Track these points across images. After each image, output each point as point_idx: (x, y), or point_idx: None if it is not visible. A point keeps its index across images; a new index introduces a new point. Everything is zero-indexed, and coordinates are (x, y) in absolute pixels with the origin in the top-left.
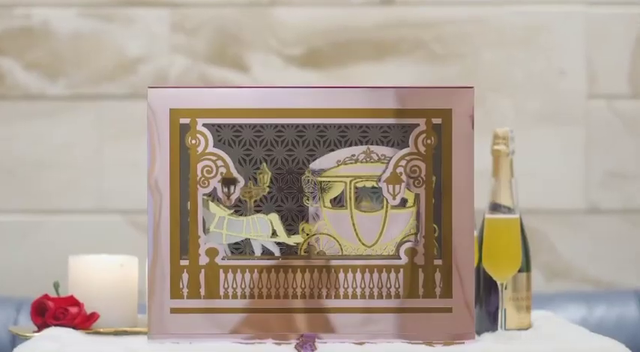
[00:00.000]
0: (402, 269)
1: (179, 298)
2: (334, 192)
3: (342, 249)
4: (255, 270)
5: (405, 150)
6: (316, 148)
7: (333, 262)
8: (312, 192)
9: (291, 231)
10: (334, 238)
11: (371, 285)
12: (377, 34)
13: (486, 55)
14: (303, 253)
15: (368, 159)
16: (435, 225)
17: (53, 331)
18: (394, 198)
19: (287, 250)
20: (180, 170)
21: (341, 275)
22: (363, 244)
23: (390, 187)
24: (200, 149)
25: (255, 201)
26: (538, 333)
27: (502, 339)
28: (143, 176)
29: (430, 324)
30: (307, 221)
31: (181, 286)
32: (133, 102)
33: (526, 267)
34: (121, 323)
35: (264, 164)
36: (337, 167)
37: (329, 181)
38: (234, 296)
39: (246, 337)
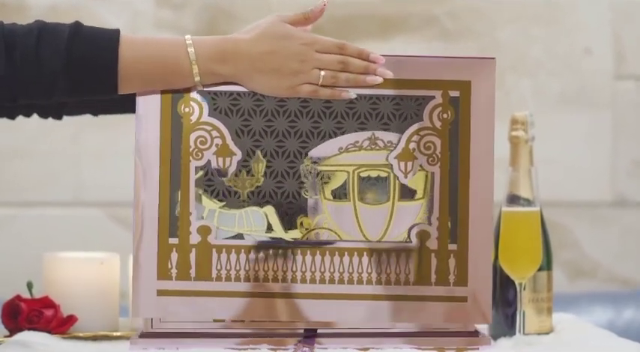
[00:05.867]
0: (412, 254)
1: (167, 279)
2: (336, 183)
3: None
4: (252, 251)
5: (419, 125)
6: (321, 120)
7: (339, 244)
8: (311, 183)
9: (288, 225)
10: (335, 233)
11: (378, 271)
12: (382, 8)
13: (503, 32)
14: None
15: (373, 147)
16: (450, 207)
17: (26, 335)
18: (406, 176)
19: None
20: (172, 141)
21: (345, 259)
22: (368, 240)
23: (402, 164)
24: (194, 118)
25: (249, 192)
26: (560, 338)
27: (520, 345)
28: (125, 166)
29: (443, 314)
30: (306, 214)
31: (170, 266)
32: None
33: (547, 265)
34: (101, 327)
35: (259, 152)
36: (339, 155)
37: (330, 170)
38: (228, 279)
39: (238, 342)
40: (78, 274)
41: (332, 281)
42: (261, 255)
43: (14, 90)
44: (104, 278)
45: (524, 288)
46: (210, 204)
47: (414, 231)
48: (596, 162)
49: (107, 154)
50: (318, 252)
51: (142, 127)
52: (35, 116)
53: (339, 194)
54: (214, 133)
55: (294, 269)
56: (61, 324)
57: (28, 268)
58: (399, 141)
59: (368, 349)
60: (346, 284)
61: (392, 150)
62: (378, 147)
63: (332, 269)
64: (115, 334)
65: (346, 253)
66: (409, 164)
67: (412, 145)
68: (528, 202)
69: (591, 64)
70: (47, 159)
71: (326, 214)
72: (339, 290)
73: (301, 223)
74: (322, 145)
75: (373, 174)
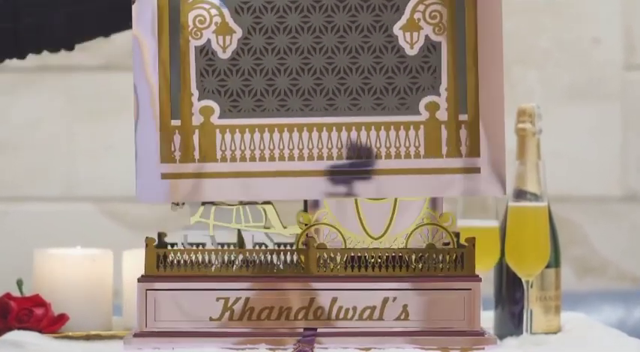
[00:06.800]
0: (422, 126)
1: (171, 162)
2: None
3: (345, 242)
4: (257, 130)
5: None
6: None
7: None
8: None
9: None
10: (336, 229)
11: (387, 144)
12: None
13: (509, 22)
14: (300, 246)
15: None
16: (459, 77)
17: (16, 335)
18: (412, 47)
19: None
20: (170, 20)
21: (353, 134)
22: (370, 236)
23: (407, 35)
24: None
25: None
26: (569, 337)
27: (527, 344)
28: (119, 160)
29: (456, 187)
30: (305, 209)
31: (173, 149)
32: (107, 74)
33: (555, 262)
34: (94, 326)
35: None
36: None
37: None
38: (233, 159)
39: (236, 342)
40: (69, 271)
41: (340, 157)
42: (266, 133)
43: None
44: (97, 275)
45: (532, 286)
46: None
47: (422, 103)
48: (605, 155)
49: (100, 148)
50: (324, 128)
51: (140, 9)
52: (45, 53)
53: None
54: (213, 11)
55: (300, 146)
56: (51, 323)
57: (18, 265)
58: (403, 12)
59: (369, 349)
60: (354, 159)
61: (398, 20)
62: None
63: (339, 145)
64: (108, 333)
65: (354, 128)
66: (415, 34)
67: (417, 15)
68: (536, 197)
69: (600, 55)
70: (38, 153)
71: (326, 209)
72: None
73: (300, 219)
74: None
75: None
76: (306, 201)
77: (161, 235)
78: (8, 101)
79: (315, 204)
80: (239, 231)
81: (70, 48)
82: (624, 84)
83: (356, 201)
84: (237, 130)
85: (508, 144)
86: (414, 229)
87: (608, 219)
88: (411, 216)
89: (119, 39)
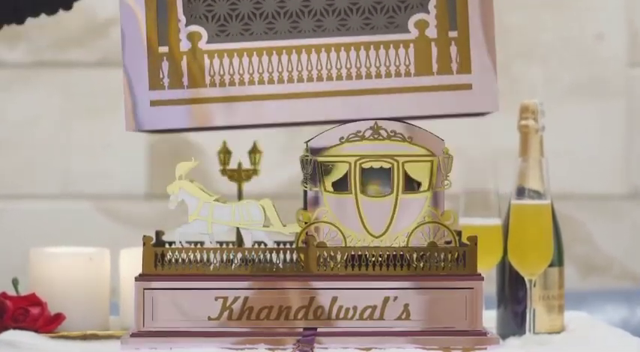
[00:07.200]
0: (412, 44)
1: (159, 89)
2: (337, 174)
3: (345, 240)
4: (245, 54)
5: None
6: None
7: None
8: (311, 175)
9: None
10: (336, 227)
11: (377, 63)
12: None
13: (511, 18)
14: (300, 245)
15: (375, 137)
16: None
17: (12, 335)
18: None
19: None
20: None
21: (342, 54)
22: (370, 234)
23: None
24: None
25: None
26: (572, 337)
27: (530, 344)
28: (116, 158)
29: (448, 104)
30: (305, 207)
31: (161, 76)
32: (104, 70)
33: (558, 261)
34: (91, 326)
35: (256, 141)
36: (340, 145)
37: (331, 161)
38: (222, 84)
39: (234, 342)
40: (66, 270)
41: (330, 78)
42: (254, 57)
43: None
44: (93, 274)
45: (535, 285)
46: (204, 196)
47: (411, 21)
48: (609, 153)
49: (97, 146)
50: (313, 49)
51: None
52: (43, 16)
53: (341, 186)
54: None
55: (289, 69)
56: (48, 323)
57: (15, 264)
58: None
59: (370, 349)
60: (344, 80)
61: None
62: (381, 137)
63: (329, 67)
64: (104, 333)
65: (343, 48)
66: None
67: None
68: (538, 195)
69: (604, 51)
70: (36, 151)
71: (326, 207)
72: (342, 86)
73: (300, 217)
74: (323, 135)
75: (376, 165)
76: (305, 199)
77: (159, 233)
78: (5, 98)
79: (315, 201)
80: (238, 229)
81: (68, 7)
82: (628, 80)
83: (357, 199)
84: (225, 55)
85: (510, 141)
86: (415, 227)
87: (612, 217)
88: (412, 214)
89: (115, 34)
